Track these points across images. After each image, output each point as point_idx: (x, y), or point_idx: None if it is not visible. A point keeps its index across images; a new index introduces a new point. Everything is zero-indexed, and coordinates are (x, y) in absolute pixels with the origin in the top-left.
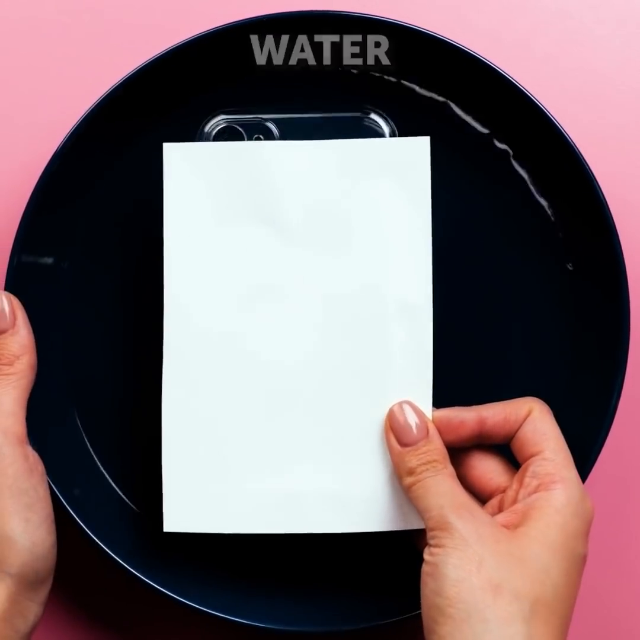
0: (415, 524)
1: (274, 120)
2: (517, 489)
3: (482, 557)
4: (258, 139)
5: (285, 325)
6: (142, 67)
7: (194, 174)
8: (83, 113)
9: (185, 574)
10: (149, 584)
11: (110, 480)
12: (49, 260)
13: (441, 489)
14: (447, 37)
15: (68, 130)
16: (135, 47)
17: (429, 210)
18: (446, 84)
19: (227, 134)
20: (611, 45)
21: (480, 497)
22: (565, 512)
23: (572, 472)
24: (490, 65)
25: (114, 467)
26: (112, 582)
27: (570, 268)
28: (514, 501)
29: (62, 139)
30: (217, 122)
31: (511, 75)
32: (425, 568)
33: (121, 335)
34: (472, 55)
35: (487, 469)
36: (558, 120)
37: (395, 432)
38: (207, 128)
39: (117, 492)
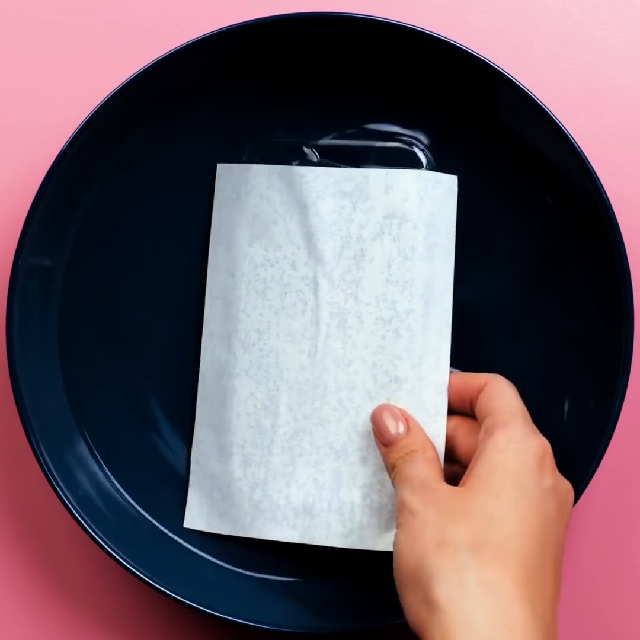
0: None
1: (314, 145)
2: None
3: (425, 521)
4: (300, 162)
5: (308, 345)
6: (147, 68)
7: (242, 192)
8: (93, 108)
9: (187, 573)
10: (151, 583)
11: (114, 481)
12: (50, 261)
13: (408, 474)
14: (447, 36)
15: (75, 129)
16: (139, 48)
17: (453, 247)
18: (448, 84)
19: (271, 155)
20: (611, 45)
21: None
22: (507, 450)
23: (517, 418)
24: (492, 65)
25: (117, 468)
26: (114, 581)
27: (574, 266)
28: None
29: (66, 140)
30: (259, 143)
31: (512, 76)
32: None
33: (124, 338)
34: (473, 54)
35: (474, 439)
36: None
37: (376, 434)
38: (250, 148)
39: (121, 493)
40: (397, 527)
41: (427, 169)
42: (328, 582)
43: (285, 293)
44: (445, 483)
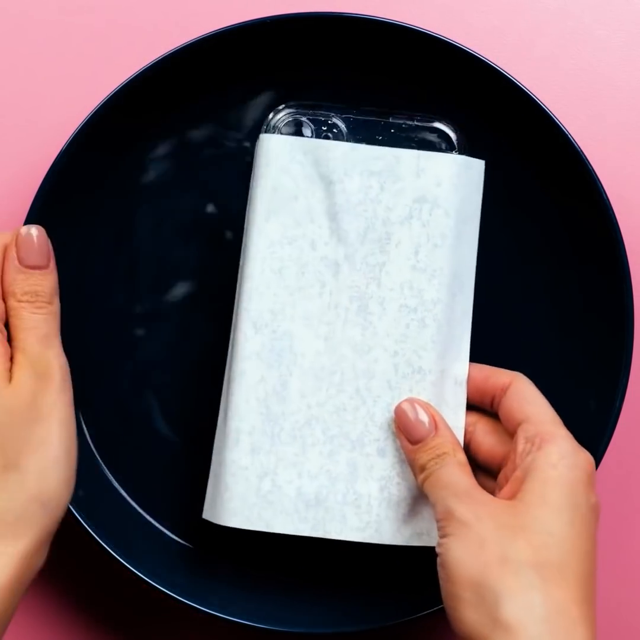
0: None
1: (341, 117)
2: (513, 459)
3: (482, 536)
4: (326, 136)
5: (325, 330)
6: (161, 59)
7: (261, 164)
8: (93, 108)
9: (189, 574)
10: (153, 585)
11: (114, 481)
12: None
13: (446, 479)
14: (447, 37)
15: (75, 129)
16: (139, 48)
17: (477, 234)
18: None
19: (295, 127)
20: (611, 45)
21: (493, 469)
22: (560, 465)
23: (562, 430)
24: (492, 65)
25: (117, 468)
26: (115, 582)
27: (574, 266)
28: (514, 470)
29: (69, 137)
30: (285, 114)
31: (512, 76)
32: (437, 559)
33: (130, 337)
34: (473, 54)
35: (494, 440)
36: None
37: (403, 430)
38: (274, 119)
39: (121, 493)
40: (445, 536)
41: (457, 152)
42: (333, 583)
43: (303, 273)
44: (489, 493)
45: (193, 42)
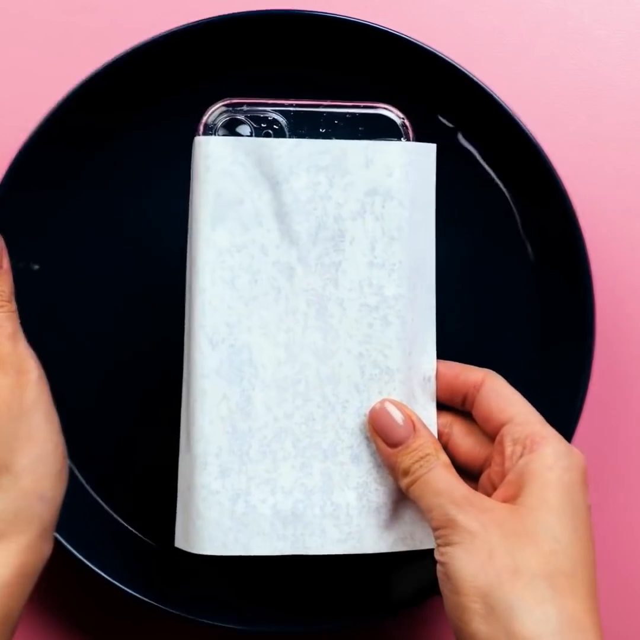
0: (426, 543)
1: (281, 111)
2: (501, 462)
3: (490, 544)
4: (267, 133)
5: (285, 337)
6: (121, 56)
7: (201, 169)
8: (55, 103)
9: (173, 581)
10: (131, 593)
11: (99, 496)
12: (19, 264)
13: (436, 485)
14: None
15: (40, 121)
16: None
17: (433, 221)
18: (419, 86)
19: (233, 126)
20: (611, 45)
21: (472, 472)
22: (556, 467)
23: (550, 429)
24: (455, 65)
25: (99, 482)
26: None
27: (533, 261)
28: (503, 474)
29: (33, 128)
30: (220, 113)
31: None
32: (439, 568)
33: (102, 341)
34: (436, 54)
35: (473, 442)
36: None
37: (380, 434)
38: (210, 119)
39: (97, 500)
40: (448, 545)
41: (406, 138)
42: (324, 582)
43: (256, 281)
44: (489, 498)
45: (159, 38)
